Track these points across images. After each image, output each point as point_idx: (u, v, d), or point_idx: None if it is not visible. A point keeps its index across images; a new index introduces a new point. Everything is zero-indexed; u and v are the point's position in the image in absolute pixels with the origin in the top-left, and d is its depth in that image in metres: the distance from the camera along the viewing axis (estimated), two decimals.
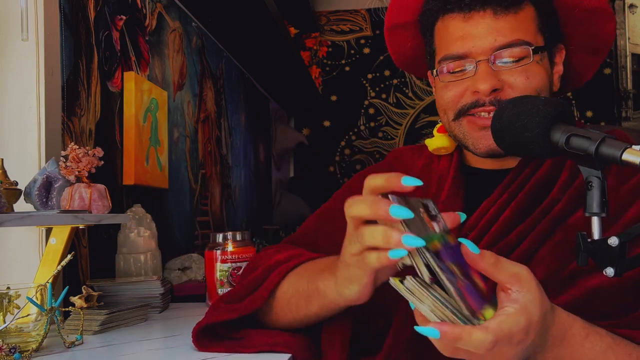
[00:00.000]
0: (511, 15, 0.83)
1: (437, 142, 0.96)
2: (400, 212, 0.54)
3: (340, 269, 0.66)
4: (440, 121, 0.97)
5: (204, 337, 0.80)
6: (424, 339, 0.57)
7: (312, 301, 0.74)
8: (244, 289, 0.80)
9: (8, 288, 0.81)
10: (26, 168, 1.10)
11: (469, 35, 0.84)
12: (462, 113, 0.87)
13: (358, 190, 0.98)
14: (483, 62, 0.83)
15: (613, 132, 0.88)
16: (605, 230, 0.77)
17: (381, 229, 0.55)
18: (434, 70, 0.91)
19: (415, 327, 0.53)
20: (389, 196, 0.57)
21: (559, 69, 0.91)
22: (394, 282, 0.56)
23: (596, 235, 0.59)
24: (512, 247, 0.80)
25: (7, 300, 0.80)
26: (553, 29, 0.89)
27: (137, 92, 1.45)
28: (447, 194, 0.89)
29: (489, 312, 0.55)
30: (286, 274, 0.79)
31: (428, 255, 0.53)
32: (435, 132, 0.97)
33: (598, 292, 0.75)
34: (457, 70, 0.86)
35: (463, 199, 0.88)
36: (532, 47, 0.83)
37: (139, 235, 1.30)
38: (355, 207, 0.57)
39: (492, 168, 0.92)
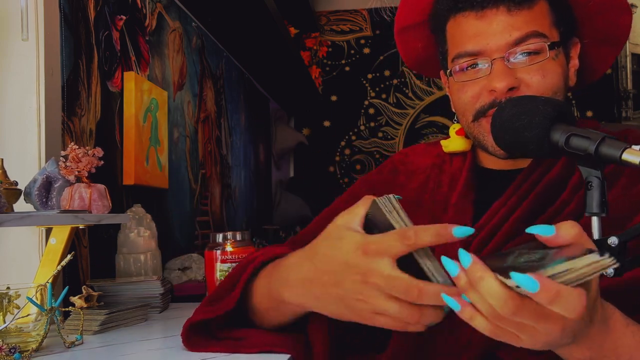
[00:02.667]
0: (525, 11, 0.83)
1: (454, 144, 0.95)
2: (464, 231, 0.54)
3: (329, 289, 0.62)
4: (455, 122, 0.97)
5: (195, 337, 0.79)
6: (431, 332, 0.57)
7: (283, 312, 0.72)
8: (221, 290, 0.79)
9: (8, 288, 0.81)
10: (26, 168, 1.10)
11: (482, 33, 0.84)
12: (481, 114, 0.86)
13: (360, 193, 0.99)
14: (498, 60, 0.83)
15: (625, 132, 0.88)
16: (617, 231, 0.77)
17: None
18: (448, 70, 0.90)
19: (512, 274, 0.47)
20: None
21: (574, 62, 0.90)
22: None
23: (596, 235, 0.59)
24: None
25: (7, 300, 0.80)
26: (568, 22, 0.88)
27: (137, 92, 1.45)
28: (459, 195, 0.89)
29: None
30: (252, 275, 0.76)
31: None
32: (453, 133, 0.96)
33: (610, 292, 0.75)
34: (470, 66, 0.86)
35: (474, 201, 0.88)
36: (548, 43, 0.83)
37: (139, 235, 1.30)
38: (422, 234, 0.56)
39: (505, 169, 0.92)
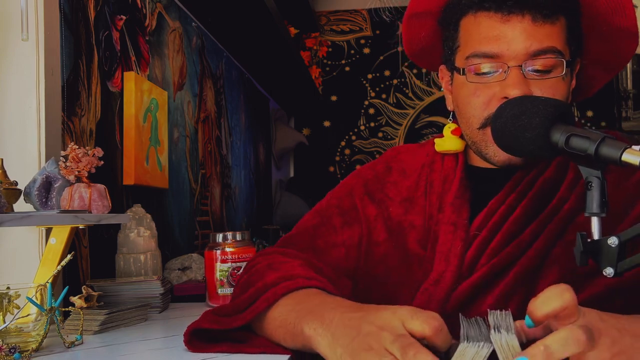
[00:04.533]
0: (548, 25, 0.82)
1: (448, 144, 0.94)
2: None
3: (345, 349, 0.61)
4: (451, 121, 0.96)
5: (199, 340, 0.80)
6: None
7: (297, 340, 0.71)
8: (233, 308, 0.79)
9: (8, 288, 0.81)
10: (26, 168, 1.10)
11: (504, 36, 0.82)
12: (490, 121, 0.85)
13: (354, 189, 0.99)
14: (515, 67, 0.82)
15: (611, 134, 0.88)
16: (615, 226, 0.78)
17: None
18: (461, 69, 0.88)
19: None
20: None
21: (573, 82, 0.91)
22: None
23: (596, 235, 0.59)
24: (525, 246, 0.81)
25: (7, 300, 0.80)
26: (577, 43, 0.88)
27: (137, 92, 1.45)
28: (455, 195, 0.88)
29: None
30: (274, 301, 0.76)
31: None
32: (448, 133, 0.95)
33: (617, 289, 0.75)
34: (483, 72, 0.85)
35: (469, 200, 0.88)
36: (565, 60, 0.83)
37: (139, 235, 1.30)
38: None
39: (496, 167, 0.92)
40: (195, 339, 0.80)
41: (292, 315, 0.72)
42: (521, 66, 0.82)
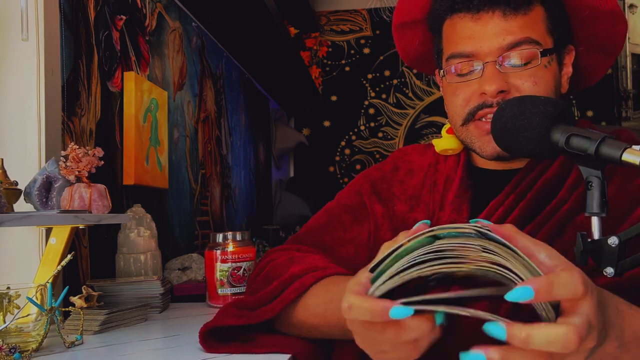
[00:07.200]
0: (520, 16, 0.83)
1: (445, 143, 0.95)
2: (400, 312, 0.51)
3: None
4: (448, 122, 0.97)
5: (211, 339, 0.80)
6: (446, 335, 0.56)
7: (334, 328, 0.72)
8: (257, 301, 0.79)
9: (8, 288, 0.81)
10: (26, 168, 1.10)
11: (477, 35, 0.84)
12: (470, 117, 0.86)
13: (362, 187, 0.99)
14: (490, 63, 0.83)
15: (617, 132, 0.88)
16: (616, 229, 0.78)
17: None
18: (441, 70, 0.91)
19: (507, 296, 0.48)
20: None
21: (567, 70, 0.90)
22: None
23: (596, 235, 0.59)
24: None
25: (7, 300, 0.80)
26: (563, 30, 0.88)
27: (137, 92, 1.45)
28: (455, 194, 0.89)
29: None
30: (303, 291, 0.77)
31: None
32: (444, 132, 0.97)
33: (613, 290, 0.75)
34: (464, 72, 0.86)
35: (470, 199, 0.89)
36: (541, 50, 0.83)
37: (139, 235, 1.30)
38: (356, 312, 0.54)
39: (499, 169, 0.92)
40: (210, 337, 0.80)
41: (330, 306, 0.73)
42: (496, 60, 0.83)
